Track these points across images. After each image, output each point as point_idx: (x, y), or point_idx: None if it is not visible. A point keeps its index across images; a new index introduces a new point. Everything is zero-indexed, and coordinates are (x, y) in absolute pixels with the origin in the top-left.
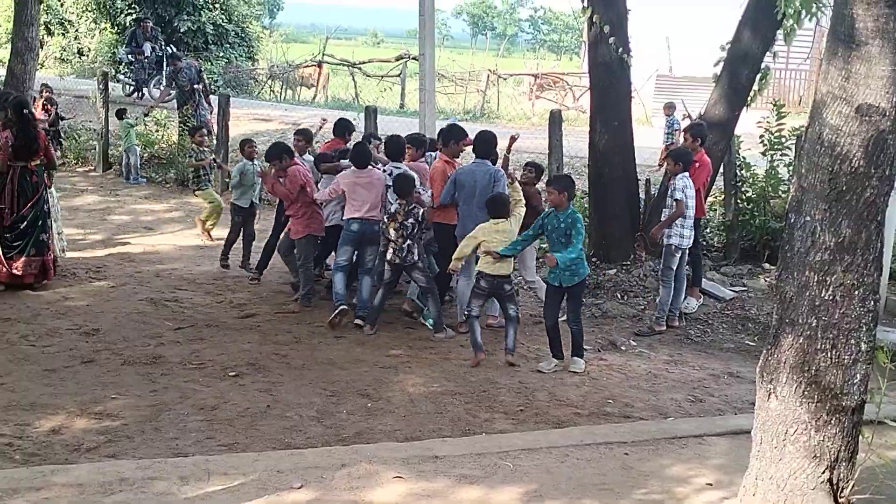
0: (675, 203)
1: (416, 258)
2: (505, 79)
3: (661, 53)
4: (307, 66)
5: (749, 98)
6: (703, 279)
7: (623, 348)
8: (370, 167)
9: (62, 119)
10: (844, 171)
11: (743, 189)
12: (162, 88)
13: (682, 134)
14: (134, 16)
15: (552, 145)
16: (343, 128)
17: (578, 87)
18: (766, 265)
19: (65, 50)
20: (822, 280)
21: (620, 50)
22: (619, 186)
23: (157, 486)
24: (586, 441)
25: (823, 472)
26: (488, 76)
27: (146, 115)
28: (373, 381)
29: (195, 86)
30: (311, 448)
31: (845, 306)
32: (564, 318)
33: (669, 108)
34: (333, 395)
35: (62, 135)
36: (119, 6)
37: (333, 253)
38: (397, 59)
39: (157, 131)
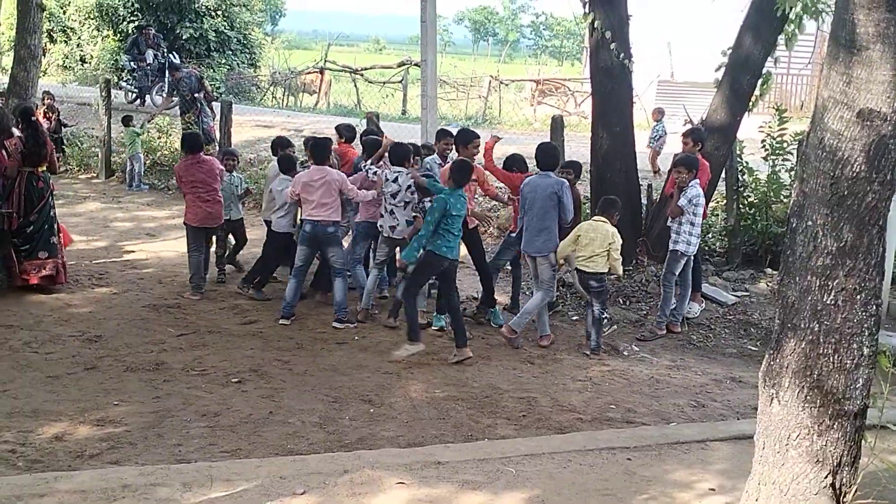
0: (678, 209)
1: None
2: (507, 84)
3: (662, 59)
4: (309, 73)
5: (751, 103)
6: (705, 284)
7: (625, 353)
8: (326, 167)
9: (65, 126)
10: (846, 176)
11: (745, 194)
12: (164, 96)
13: (681, 138)
14: (136, 23)
15: None
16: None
17: (580, 92)
18: (768, 270)
19: (67, 57)
20: (824, 284)
21: (622, 55)
22: (621, 192)
23: (159, 493)
24: (589, 446)
25: (826, 477)
26: (490, 82)
27: (148, 121)
28: (375, 387)
29: (196, 94)
30: (314, 454)
31: (847, 311)
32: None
33: (658, 114)
34: (336, 401)
35: (65, 142)
36: (121, 13)
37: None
38: (399, 66)
39: (159, 138)
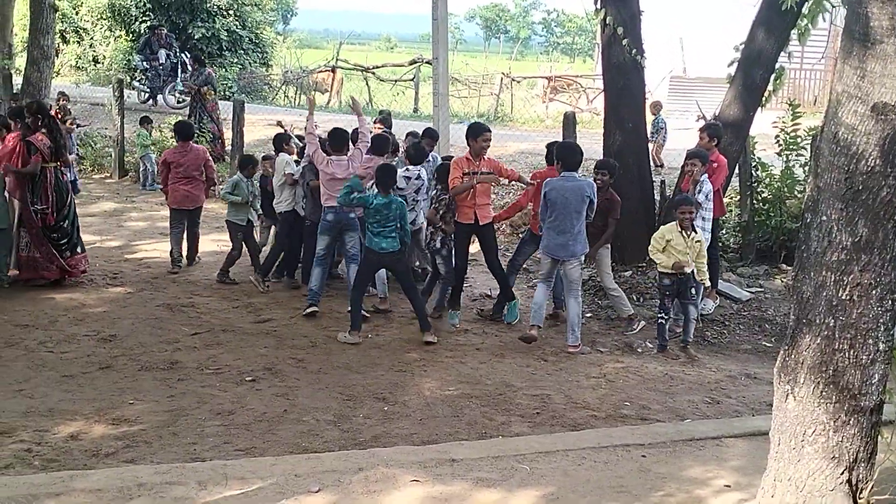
0: (699, 205)
1: (438, 245)
2: (518, 82)
3: (674, 54)
4: (321, 72)
5: (764, 98)
6: (720, 280)
7: (639, 350)
8: (345, 155)
9: (78, 126)
10: (860, 171)
11: (758, 190)
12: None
13: (698, 133)
14: (148, 23)
15: None
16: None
17: (592, 89)
18: (783, 266)
19: (80, 58)
20: (839, 280)
21: (634, 51)
22: (634, 187)
23: (175, 491)
24: (603, 443)
25: (842, 473)
26: (502, 79)
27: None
28: (389, 385)
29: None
30: (329, 452)
31: (863, 306)
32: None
33: (655, 107)
34: (350, 399)
35: (78, 142)
36: (134, 14)
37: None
38: (411, 64)
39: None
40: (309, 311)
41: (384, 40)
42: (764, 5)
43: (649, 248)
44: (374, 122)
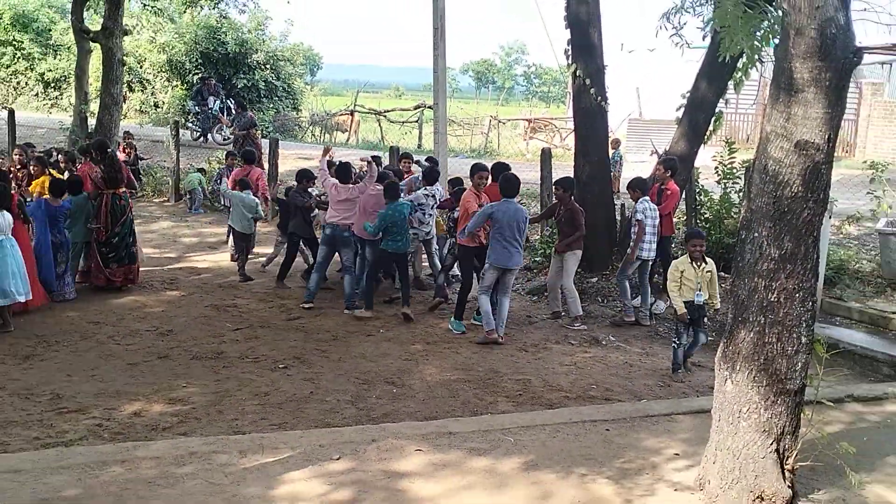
0: (636, 223)
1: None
2: (504, 123)
3: (632, 100)
4: (342, 115)
5: (706, 137)
6: None
7: (604, 343)
8: (350, 184)
9: (141, 159)
10: (786, 196)
11: (702, 211)
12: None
13: (656, 166)
14: (200, 75)
15: (543, 177)
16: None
17: (565, 129)
18: (723, 273)
19: (143, 103)
20: (768, 285)
21: (599, 98)
22: (599, 209)
23: (220, 459)
24: (574, 419)
25: (772, 444)
26: (490, 121)
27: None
28: (397, 371)
29: (248, 129)
30: (347, 426)
31: (788, 306)
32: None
33: (614, 144)
34: (365, 383)
35: (141, 172)
36: (188, 67)
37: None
38: (416, 108)
39: (220, 166)
40: (306, 306)
41: (394, 89)
42: (706, 61)
43: (667, 284)
44: (400, 160)
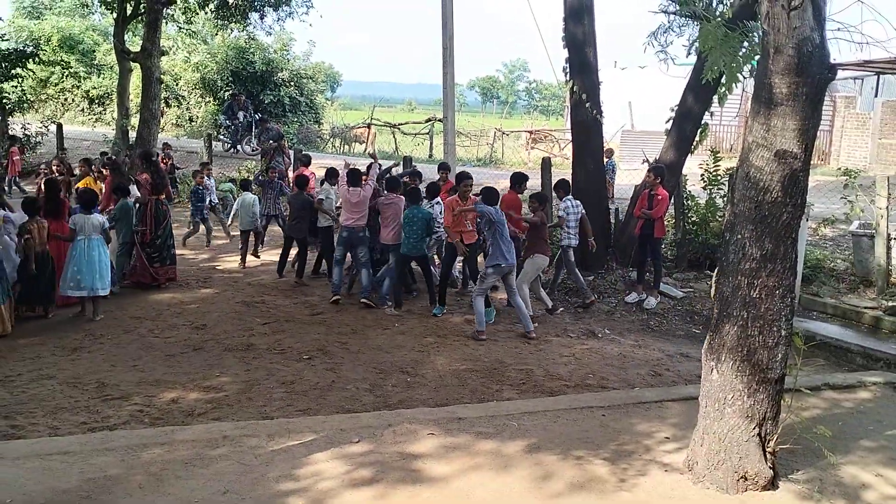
0: (559, 218)
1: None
2: (507, 134)
3: (625, 113)
4: (359, 128)
5: (693, 146)
6: (661, 283)
7: (599, 336)
8: (359, 188)
9: (177, 168)
10: (767, 201)
11: (689, 215)
12: (253, 144)
13: (647, 173)
14: (230, 92)
15: (544, 184)
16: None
17: (563, 140)
18: (708, 272)
19: (179, 117)
20: (750, 283)
21: (595, 112)
22: (595, 213)
23: (250, 442)
24: (573, 406)
25: (754, 429)
26: (494, 133)
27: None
28: (411, 362)
29: (279, 141)
30: (366, 412)
31: (769, 302)
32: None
33: (608, 153)
34: (381, 373)
35: (177, 180)
36: (219, 84)
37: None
38: (427, 121)
39: (248, 176)
40: (333, 299)
41: (407, 104)
42: (692, 77)
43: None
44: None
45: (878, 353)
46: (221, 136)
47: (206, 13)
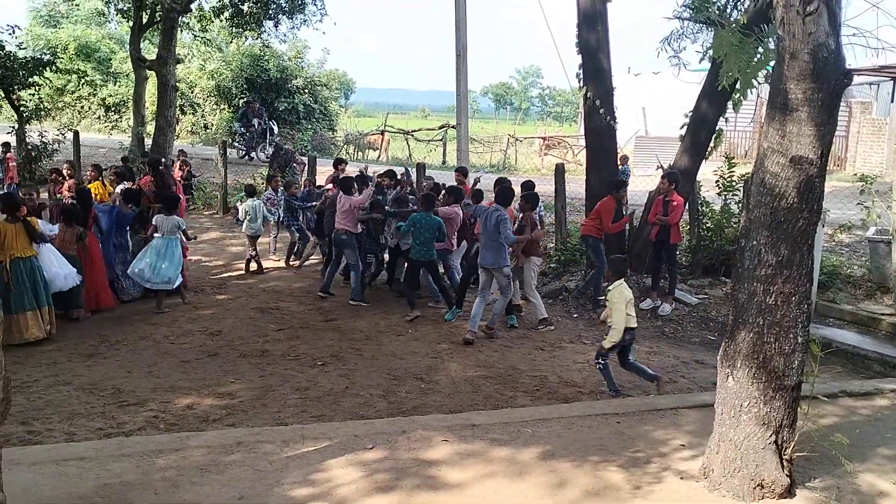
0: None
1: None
2: (521, 141)
3: (639, 119)
4: (373, 135)
5: (707, 152)
6: (676, 290)
7: None
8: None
9: (193, 176)
10: (782, 207)
11: (704, 221)
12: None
13: (661, 179)
14: (245, 99)
15: (558, 190)
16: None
17: (577, 146)
18: (723, 278)
19: (194, 125)
20: (766, 289)
21: (608, 118)
22: None
23: (265, 448)
24: (587, 413)
25: (771, 436)
26: (508, 139)
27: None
28: (425, 368)
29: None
30: (380, 419)
31: (785, 309)
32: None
33: (623, 160)
34: (395, 379)
35: (193, 187)
36: (234, 92)
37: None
38: (440, 128)
39: (262, 184)
40: (319, 294)
41: (420, 111)
42: (706, 83)
43: (614, 312)
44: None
45: (895, 361)
46: (236, 144)
47: (221, 21)
